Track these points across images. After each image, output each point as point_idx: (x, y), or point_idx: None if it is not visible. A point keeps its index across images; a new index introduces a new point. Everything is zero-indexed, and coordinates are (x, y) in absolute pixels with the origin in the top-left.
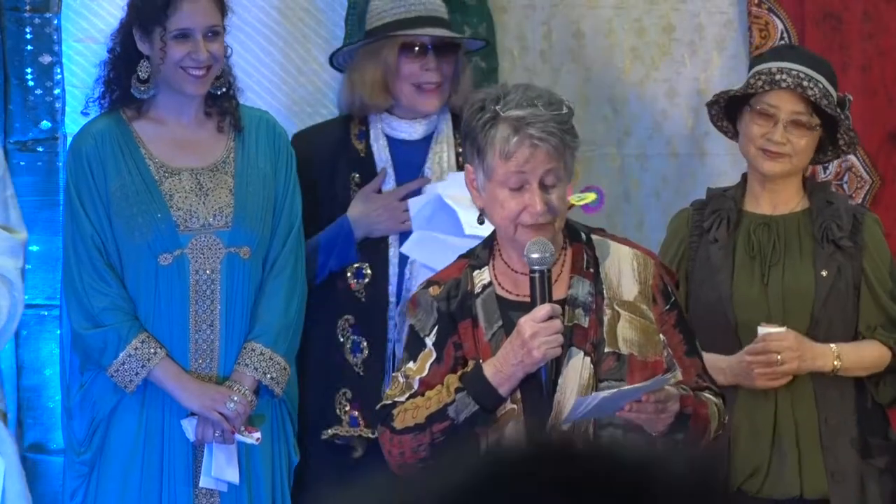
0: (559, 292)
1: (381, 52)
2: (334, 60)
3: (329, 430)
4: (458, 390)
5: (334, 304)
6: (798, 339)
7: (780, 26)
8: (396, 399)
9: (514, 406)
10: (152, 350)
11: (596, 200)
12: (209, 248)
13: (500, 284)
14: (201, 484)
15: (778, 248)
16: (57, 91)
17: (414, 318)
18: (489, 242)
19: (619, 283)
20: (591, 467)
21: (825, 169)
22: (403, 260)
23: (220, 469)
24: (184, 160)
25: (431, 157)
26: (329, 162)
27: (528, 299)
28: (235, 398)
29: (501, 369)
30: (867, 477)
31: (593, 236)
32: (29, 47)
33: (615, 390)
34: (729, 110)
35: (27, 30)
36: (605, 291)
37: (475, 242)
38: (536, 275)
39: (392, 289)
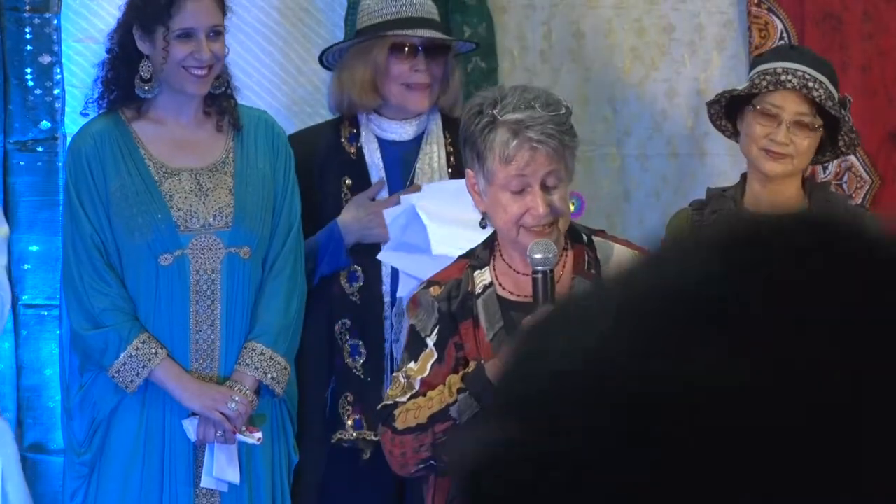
0: (560, 293)
1: (370, 51)
2: (324, 60)
3: (335, 435)
4: (460, 391)
5: (330, 308)
6: None
7: (780, 26)
8: (398, 399)
9: None
10: (153, 350)
11: (576, 207)
12: (209, 248)
13: (500, 285)
14: (202, 484)
15: None
16: (57, 91)
17: (415, 318)
18: (489, 242)
19: None
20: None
21: (825, 169)
22: None
23: (222, 469)
24: (183, 160)
25: (422, 158)
26: (320, 165)
27: (529, 300)
28: (237, 398)
29: None
30: None
31: (595, 238)
32: (29, 47)
33: None
34: (729, 109)
35: (27, 30)
36: None
37: (449, 258)
38: (539, 275)
39: (385, 289)
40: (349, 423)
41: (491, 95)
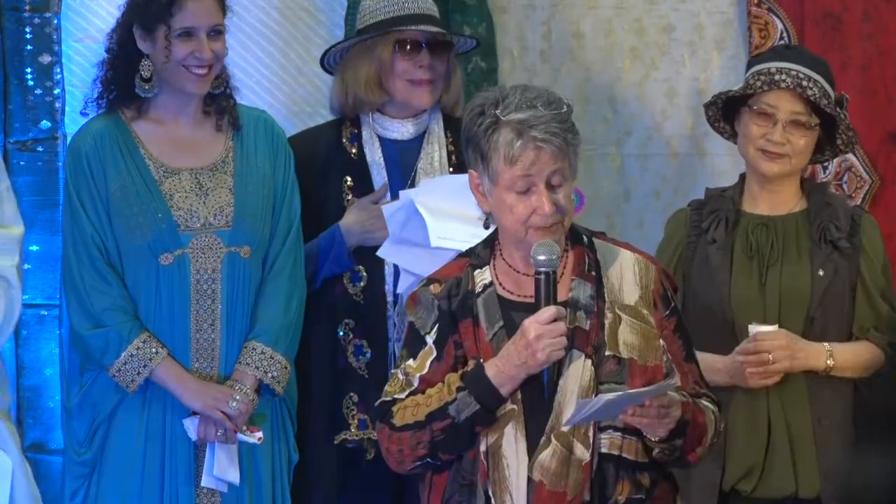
0: (561, 294)
1: (375, 49)
2: (325, 61)
3: (340, 435)
4: (459, 389)
5: (334, 309)
6: (790, 338)
7: (780, 26)
8: (396, 396)
9: (515, 406)
10: (154, 350)
11: (576, 203)
12: (210, 247)
13: (501, 284)
14: (203, 483)
15: (776, 249)
16: (57, 91)
17: (414, 315)
18: (490, 241)
19: (621, 288)
20: None
21: (825, 169)
22: None
23: (222, 468)
24: (183, 160)
25: (423, 157)
26: (321, 166)
27: (530, 300)
28: (238, 397)
29: (504, 370)
30: (862, 478)
31: (595, 240)
32: (29, 47)
33: (619, 393)
34: (726, 111)
35: (27, 30)
36: (606, 295)
37: (448, 252)
38: (542, 276)
39: (388, 288)
40: (353, 423)
41: (492, 96)
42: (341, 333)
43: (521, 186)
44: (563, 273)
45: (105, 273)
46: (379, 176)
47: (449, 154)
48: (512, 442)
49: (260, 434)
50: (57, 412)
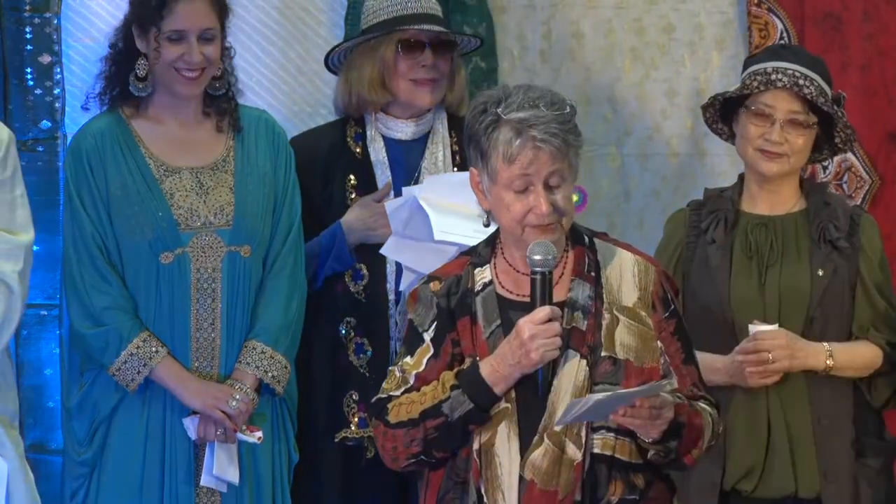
0: (559, 294)
1: (378, 48)
2: (329, 61)
3: (340, 433)
4: (453, 387)
5: (335, 307)
6: (790, 338)
7: (780, 26)
8: (392, 393)
9: (508, 405)
10: (154, 349)
11: (579, 201)
12: (210, 246)
13: (500, 283)
14: (202, 483)
15: (775, 249)
16: (57, 91)
17: (413, 312)
18: (492, 240)
19: (620, 289)
20: None
21: (825, 169)
22: None
23: (222, 468)
24: (183, 159)
25: (427, 157)
26: (325, 166)
27: (528, 299)
28: (238, 396)
29: (498, 369)
30: (861, 477)
31: (596, 240)
32: (29, 47)
33: (610, 393)
34: (724, 112)
35: (27, 30)
36: (604, 296)
37: (450, 248)
38: (538, 276)
39: (390, 286)
40: (354, 421)
41: (495, 94)
42: (343, 331)
43: (518, 185)
44: (563, 273)
45: (105, 272)
46: (383, 175)
47: (453, 154)
48: (505, 440)
49: (260, 434)
50: (57, 412)
